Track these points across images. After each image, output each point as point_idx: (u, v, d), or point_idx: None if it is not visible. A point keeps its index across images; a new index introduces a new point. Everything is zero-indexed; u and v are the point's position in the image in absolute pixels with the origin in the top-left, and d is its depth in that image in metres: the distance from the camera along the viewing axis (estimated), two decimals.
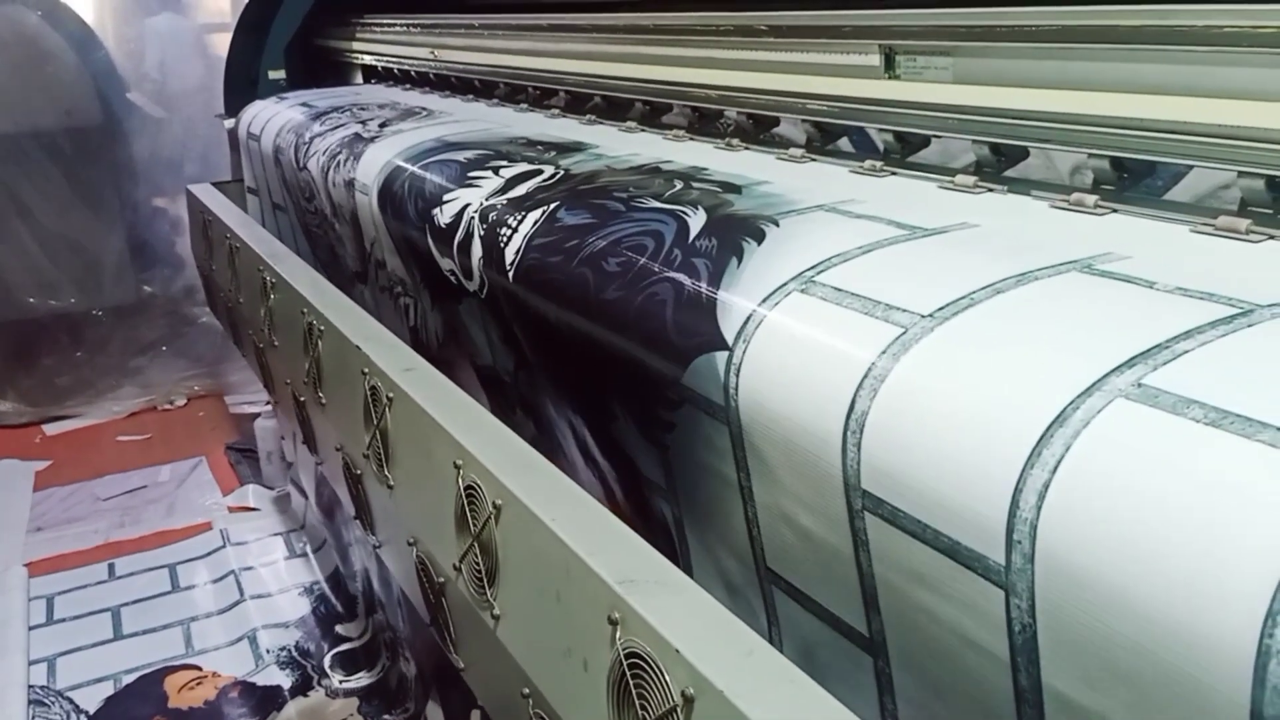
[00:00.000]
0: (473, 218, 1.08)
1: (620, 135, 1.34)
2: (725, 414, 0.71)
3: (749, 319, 0.71)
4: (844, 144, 1.09)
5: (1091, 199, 0.76)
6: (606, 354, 0.86)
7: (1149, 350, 0.51)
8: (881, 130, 0.98)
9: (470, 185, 1.14)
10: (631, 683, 0.58)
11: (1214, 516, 0.43)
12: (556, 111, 1.56)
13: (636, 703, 0.57)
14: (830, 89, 1.03)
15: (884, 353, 0.60)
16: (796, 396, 0.65)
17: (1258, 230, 0.66)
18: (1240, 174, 0.68)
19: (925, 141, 0.96)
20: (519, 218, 1.00)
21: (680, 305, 0.77)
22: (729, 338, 0.71)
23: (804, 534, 0.67)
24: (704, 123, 1.26)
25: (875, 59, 0.96)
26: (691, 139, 1.23)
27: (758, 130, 1.17)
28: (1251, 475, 0.43)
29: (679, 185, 0.95)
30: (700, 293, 0.76)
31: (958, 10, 0.88)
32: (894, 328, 0.62)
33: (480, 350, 1.16)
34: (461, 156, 1.26)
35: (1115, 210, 0.75)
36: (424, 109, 1.72)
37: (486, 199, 1.08)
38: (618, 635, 0.59)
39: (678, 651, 0.54)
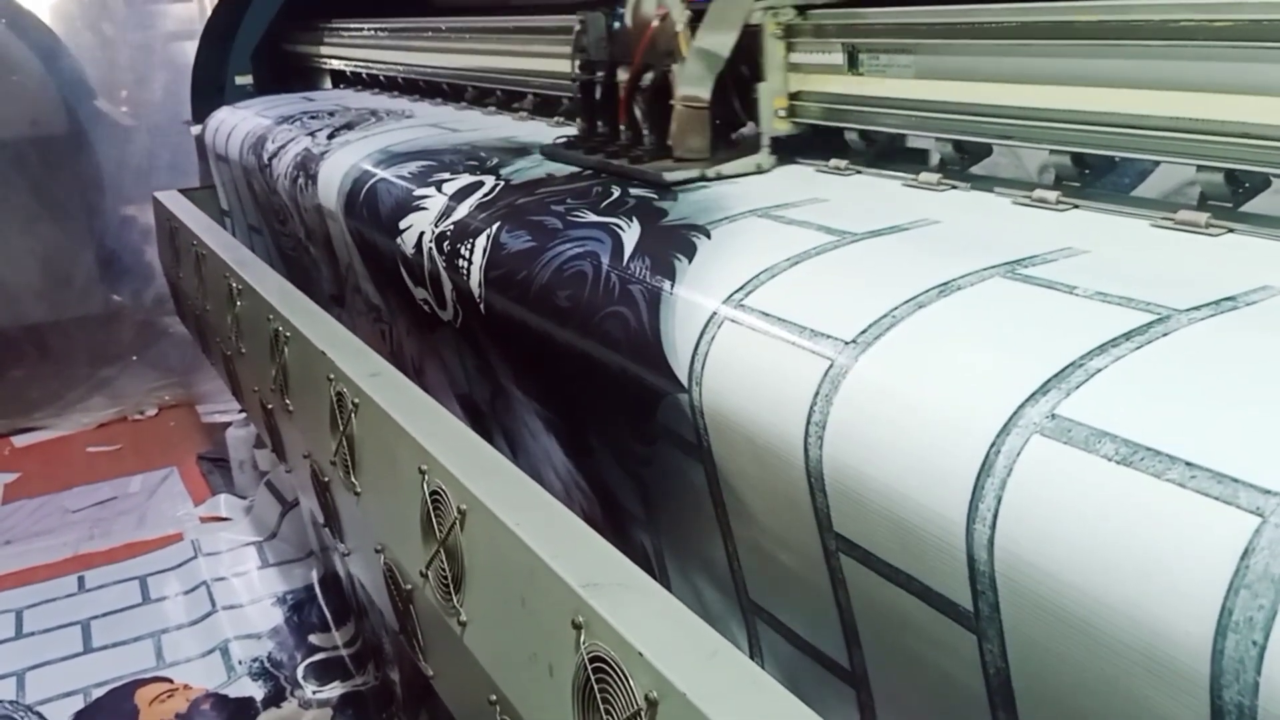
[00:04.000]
0: (430, 247, 1.06)
1: None
2: (699, 452, 0.70)
3: (694, 357, 0.70)
4: None
5: (1053, 195, 0.76)
6: (578, 391, 0.85)
7: (1063, 371, 0.51)
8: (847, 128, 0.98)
9: (418, 209, 1.12)
10: (596, 687, 0.57)
11: (1126, 572, 0.43)
12: (525, 114, 1.55)
13: (601, 707, 0.57)
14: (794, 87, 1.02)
15: (818, 394, 0.60)
16: (756, 441, 0.64)
17: (1217, 224, 0.67)
18: (1200, 168, 0.68)
19: (891, 139, 0.95)
20: (469, 246, 0.99)
21: (633, 347, 0.76)
22: (683, 380, 0.70)
23: (785, 571, 0.67)
24: None
25: (839, 57, 0.95)
26: None
27: None
28: (1159, 526, 0.42)
29: (616, 192, 0.93)
30: (645, 332, 0.74)
31: (919, 8, 0.88)
32: (821, 361, 0.61)
33: (457, 379, 1.15)
34: (405, 171, 1.24)
35: (1077, 206, 0.75)
36: (372, 112, 1.69)
37: (436, 224, 1.07)
38: (582, 639, 0.58)
39: (641, 655, 0.53)
